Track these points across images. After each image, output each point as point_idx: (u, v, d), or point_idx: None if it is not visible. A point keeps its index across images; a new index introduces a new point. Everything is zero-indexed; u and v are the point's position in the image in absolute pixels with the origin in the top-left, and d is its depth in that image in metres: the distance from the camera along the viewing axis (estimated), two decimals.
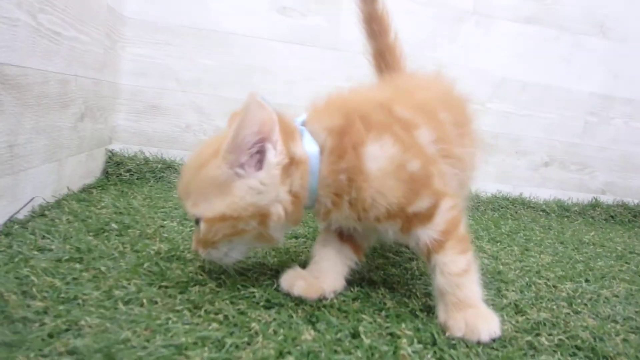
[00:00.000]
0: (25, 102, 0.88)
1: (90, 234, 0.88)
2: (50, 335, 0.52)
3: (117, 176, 1.42)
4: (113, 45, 1.40)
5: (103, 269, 0.72)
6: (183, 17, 1.53)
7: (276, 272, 0.77)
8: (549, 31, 1.79)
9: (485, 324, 0.65)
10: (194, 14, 1.54)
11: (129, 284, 0.68)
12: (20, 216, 0.90)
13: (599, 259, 1.20)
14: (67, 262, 0.73)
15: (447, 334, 0.65)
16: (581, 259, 1.18)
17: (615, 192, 1.95)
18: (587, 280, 1.00)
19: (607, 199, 1.93)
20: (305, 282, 0.72)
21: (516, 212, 1.73)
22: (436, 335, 0.64)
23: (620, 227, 1.77)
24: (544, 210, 1.79)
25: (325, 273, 0.74)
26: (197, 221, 0.68)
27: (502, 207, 1.74)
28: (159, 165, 1.49)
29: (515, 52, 1.78)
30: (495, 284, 0.89)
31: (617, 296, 0.92)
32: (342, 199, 0.67)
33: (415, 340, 0.62)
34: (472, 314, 0.65)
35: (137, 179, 1.44)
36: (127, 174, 1.44)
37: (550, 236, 1.42)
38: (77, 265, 0.72)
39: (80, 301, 0.61)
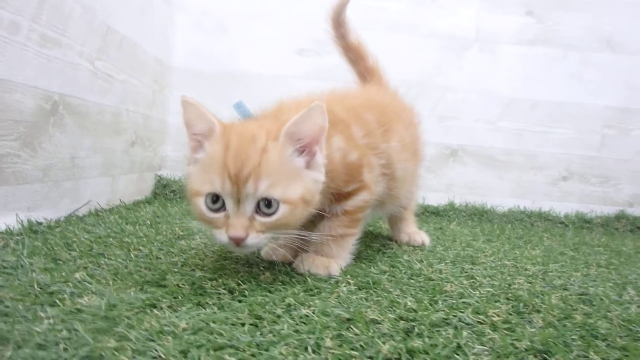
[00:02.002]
0: (84, 126, 1.17)
1: (129, 224, 1.13)
2: (77, 268, 0.74)
3: (163, 195, 1.70)
4: (161, 89, 1.71)
5: (128, 240, 0.95)
6: (219, 65, 1.83)
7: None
8: (555, 51, 1.88)
9: (323, 268, 0.81)
10: (227, 62, 1.84)
11: (144, 248, 0.90)
12: (80, 213, 1.17)
13: (593, 255, 1.22)
14: (104, 237, 0.97)
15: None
16: (572, 254, 1.22)
17: None
18: (562, 266, 1.04)
19: (635, 210, 1.91)
20: (280, 252, 0.88)
21: (532, 224, 1.78)
22: (371, 282, 0.79)
23: None
24: (562, 223, 1.82)
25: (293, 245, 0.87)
26: (268, 203, 0.69)
27: (517, 220, 1.80)
28: None
29: (522, 72, 1.89)
30: (461, 265, 0.97)
31: (586, 275, 0.97)
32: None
33: (353, 285, 0.77)
34: (322, 260, 0.83)
35: (179, 197, 1.71)
36: (171, 193, 1.71)
37: (556, 240, 1.46)
38: (111, 239, 0.96)
39: (105, 255, 0.84)
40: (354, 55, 1.18)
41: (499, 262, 1.03)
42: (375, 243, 1.16)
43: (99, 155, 1.26)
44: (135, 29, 1.43)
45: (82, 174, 1.18)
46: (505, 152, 1.91)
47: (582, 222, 1.83)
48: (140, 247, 0.90)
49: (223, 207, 0.69)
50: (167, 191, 1.72)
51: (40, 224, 1.00)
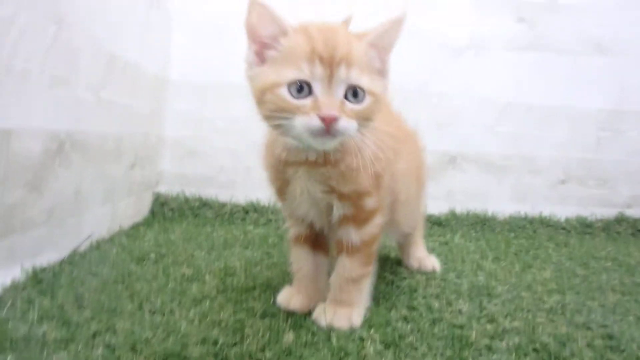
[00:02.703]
0: (88, 158, 1.13)
1: (133, 262, 1.09)
2: (94, 335, 0.71)
3: (162, 214, 1.66)
4: (159, 104, 1.66)
5: (138, 288, 0.91)
6: (217, 76, 1.76)
7: (275, 290, 0.92)
8: (547, 55, 1.88)
9: (345, 319, 0.79)
10: (226, 73, 1.77)
11: (156, 299, 0.87)
12: (81, 249, 1.13)
13: (603, 273, 1.23)
14: (112, 283, 0.93)
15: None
16: (583, 273, 1.22)
17: None
18: (577, 293, 1.04)
19: (635, 212, 1.92)
20: (298, 298, 0.86)
21: (534, 232, 1.78)
22: (397, 336, 0.77)
23: None
24: (564, 228, 1.82)
25: (312, 287, 0.87)
26: (355, 92, 0.70)
27: (519, 227, 1.79)
28: (197, 204, 1.72)
29: (516, 78, 1.88)
30: (478, 298, 0.97)
31: (603, 306, 0.96)
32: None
33: (379, 342, 0.76)
34: (342, 312, 0.81)
35: (178, 216, 1.67)
36: (170, 212, 1.67)
37: (562, 253, 1.46)
38: (119, 286, 0.92)
39: (118, 311, 0.80)
40: None
41: (515, 293, 1.02)
42: (386, 272, 1.15)
43: (101, 184, 1.21)
44: (136, 51, 1.38)
45: (85, 207, 1.14)
46: (503, 157, 1.91)
47: (584, 227, 1.83)
48: (152, 298, 0.87)
49: (309, 94, 0.68)
50: (165, 209, 1.67)
51: (44, 269, 0.96)
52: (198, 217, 1.68)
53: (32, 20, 0.87)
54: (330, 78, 0.68)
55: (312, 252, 0.89)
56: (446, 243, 1.52)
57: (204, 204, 1.73)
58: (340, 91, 0.69)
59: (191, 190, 1.79)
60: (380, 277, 1.09)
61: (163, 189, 1.76)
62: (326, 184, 0.78)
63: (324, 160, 0.76)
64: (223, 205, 1.75)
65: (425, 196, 1.20)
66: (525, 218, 1.85)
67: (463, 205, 1.90)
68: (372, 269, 0.86)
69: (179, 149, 1.79)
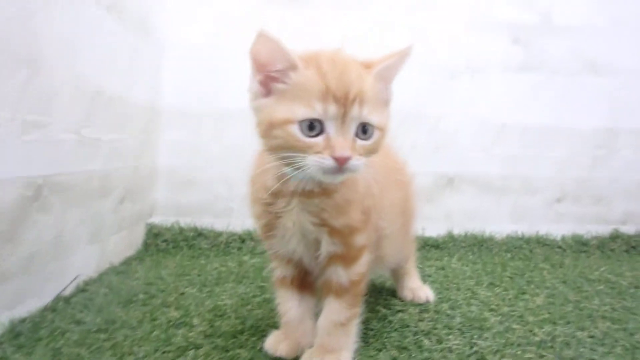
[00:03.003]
0: (70, 199, 1.11)
1: (120, 305, 1.07)
2: None
3: (155, 246, 1.64)
4: (149, 135, 1.64)
5: (121, 338, 0.89)
6: (210, 104, 1.76)
7: (264, 335, 0.91)
8: (542, 76, 1.89)
9: None
10: (218, 100, 1.77)
11: (139, 349, 0.84)
12: (67, 293, 1.11)
13: (595, 298, 1.23)
14: (94, 333, 0.91)
15: None
16: (575, 299, 1.21)
17: (637, 220, 1.95)
18: (568, 323, 1.04)
19: (629, 229, 1.93)
20: (285, 344, 0.84)
21: (530, 252, 1.77)
22: None
23: None
24: (560, 247, 1.81)
25: (299, 331, 0.85)
26: (365, 129, 0.71)
27: (515, 248, 1.78)
28: (192, 234, 1.70)
29: (511, 99, 1.89)
30: (469, 333, 0.96)
31: (592, 337, 0.96)
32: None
33: None
34: (330, 358, 0.79)
35: (172, 247, 1.65)
36: (164, 243, 1.65)
37: (557, 275, 1.45)
38: (102, 335, 0.90)
39: None
40: None
41: (507, 325, 1.01)
42: (380, 304, 1.13)
43: (86, 224, 1.20)
44: (123, 84, 1.37)
45: (68, 249, 1.12)
46: (501, 177, 1.91)
47: (580, 245, 1.83)
48: (135, 348, 0.85)
49: (320, 133, 0.68)
50: (159, 241, 1.65)
51: (24, 320, 0.94)
52: (193, 248, 1.66)
53: (1, 64, 0.86)
54: (343, 117, 0.68)
55: (299, 295, 0.87)
56: (442, 268, 1.50)
57: (199, 233, 1.71)
58: (353, 129, 0.69)
59: (187, 220, 1.77)
60: (373, 311, 1.08)
61: (157, 219, 1.75)
62: (319, 216, 0.77)
63: (320, 191, 0.76)
64: (219, 234, 1.73)
65: (413, 228, 1.18)
66: (522, 238, 1.85)
67: (461, 226, 1.89)
68: (360, 310, 0.84)
69: (173, 178, 1.78)
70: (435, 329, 0.98)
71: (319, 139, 0.67)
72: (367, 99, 0.69)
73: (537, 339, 0.94)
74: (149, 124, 1.62)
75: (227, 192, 1.80)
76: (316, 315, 0.85)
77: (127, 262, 1.45)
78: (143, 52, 1.53)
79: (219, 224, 1.77)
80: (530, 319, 1.05)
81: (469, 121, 1.88)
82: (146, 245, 1.65)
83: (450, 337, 0.94)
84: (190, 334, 0.93)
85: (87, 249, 1.22)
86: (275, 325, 0.92)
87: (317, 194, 0.76)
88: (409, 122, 1.86)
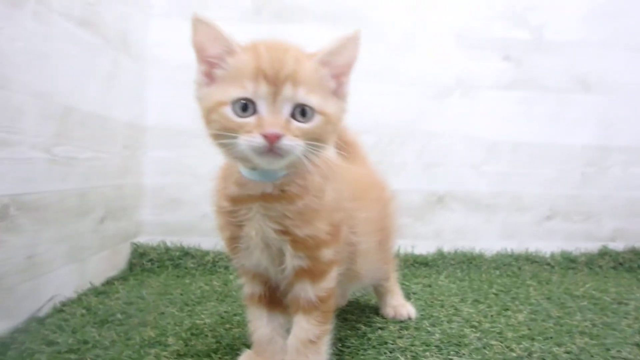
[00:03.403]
0: (43, 219, 1.09)
1: (95, 325, 1.05)
2: None
3: (140, 266, 1.62)
4: (134, 153, 1.64)
5: (91, 358, 0.87)
6: (193, 122, 1.75)
7: (238, 353, 0.89)
8: (533, 93, 1.90)
9: None
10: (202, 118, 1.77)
11: None
12: (42, 313, 1.09)
13: (577, 313, 1.22)
14: (65, 353, 0.90)
15: None
16: (557, 315, 1.20)
17: (627, 237, 1.94)
18: (546, 339, 1.03)
19: (617, 245, 1.92)
20: None
21: (519, 269, 1.75)
22: None
23: (627, 274, 1.75)
24: (548, 264, 1.80)
25: (269, 350, 0.84)
26: (303, 111, 0.68)
27: (504, 265, 1.77)
28: (178, 253, 1.68)
29: (502, 116, 1.89)
30: (447, 349, 0.95)
31: (569, 352, 0.95)
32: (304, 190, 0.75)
33: None
34: None
35: (157, 267, 1.63)
36: (149, 263, 1.63)
37: (542, 291, 1.44)
38: (72, 356, 0.88)
39: None
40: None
41: (485, 341, 1.00)
42: (360, 322, 1.12)
43: (63, 244, 1.18)
44: (100, 100, 1.37)
45: (43, 269, 1.10)
46: (491, 195, 1.91)
47: (568, 262, 1.83)
48: None
49: (254, 113, 0.67)
50: (144, 260, 1.63)
51: None
52: (179, 267, 1.65)
53: None
54: (275, 96, 0.67)
55: (268, 312, 0.85)
56: (429, 285, 1.49)
57: (186, 253, 1.70)
58: (286, 109, 0.68)
59: (172, 240, 1.76)
60: (353, 329, 1.07)
61: (143, 238, 1.73)
62: (281, 223, 0.75)
63: (281, 195, 0.74)
64: (205, 253, 1.71)
65: (393, 246, 1.17)
66: (512, 255, 1.84)
67: (451, 244, 1.88)
68: (330, 326, 0.82)
69: (159, 197, 1.77)
70: (413, 345, 0.97)
71: (251, 119, 0.67)
72: (302, 80, 0.67)
73: (514, 354, 0.93)
74: (133, 141, 1.62)
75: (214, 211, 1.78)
76: (288, 332, 0.83)
77: (110, 282, 1.44)
78: (124, 69, 1.53)
79: (206, 243, 1.76)
80: (510, 335, 1.04)
81: (459, 139, 1.88)
82: (131, 265, 1.63)
83: (427, 353, 0.93)
84: (163, 353, 0.91)
85: (65, 269, 1.20)
86: (250, 345, 0.89)
87: (277, 197, 0.74)
88: (399, 140, 1.86)
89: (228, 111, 0.67)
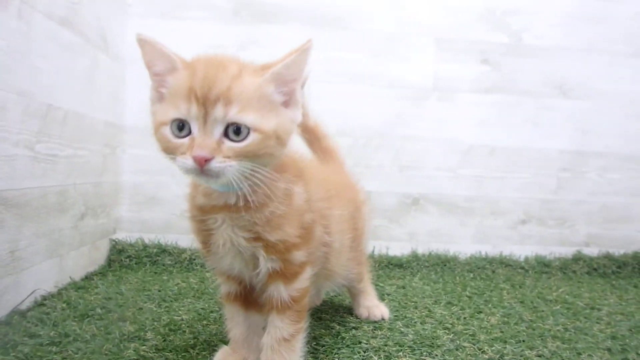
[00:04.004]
0: (25, 215, 1.11)
1: (76, 319, 1.07)
2: None
3: (119, 262, 1.64)
4: (113, 151, 1.66)
5: (72, 351, 0.89)
6: None
7: (215, 349, 0.92)
8: (511, 98, 1.94)
9: None
10: None
11: None
12: (23, 307, 1.11)
13: (550, 318, 1.25)
14: (47, 346, 0.91)
15: None
16: (530, 318, 1.23)
17: (601, 243, 1.99)
18: (518, 342, 1.05)
19: (592, 251, 1.97)
20: (232, 359, 0.86)
21: (493, 272, 1.79)
22: None
23: (601, 279, 1.79)
24: (522, 268, 1.84)
25: (245, 347, 0.87)
26: (237, 130, 0.67)
27: (478, 268, 1.81)
28: (155, 250, 1.70)
29: (479, 120, 1.93)
30: (419, 350, 0.98)
31: (540, 356, 0.98)
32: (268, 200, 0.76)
33: None
34: None
35: (135, 263, 1.64)
36: (127, 259, 1.65)
37: (515, 295, 1.47)
38: (54, 349, 0.90)
39: None
40: (311, 137, 1.15)
41: (458, 343, 1.03)
42: (334, 322, 1.15)
43: (43, 240, 1.20)
44: (81, 99, 1.38)
45: (24, 264, 1.12)
46: (466, 199, 1.94)
47: (542, 266, 1.87)
48: None
49: (189, 134, 0.68)
50: (122, 257, 1.65)
51: None
52: (156, 264, 1.67)
53: None
54: (206, 116, 0.66)
55: (244, 311, 0.88)
56: (403, 287, 1.52)
57: (163, 250, 1.72)
58: (217, 130, 0.67)
59: (150, 237, 1.77)
60: (327, 328, 1.10)
61: (122, 235, 1.75)
62: (251, 231, 0.76)
63: (246, 205, 0.74)
64: (182, 251, 1.73)
65: (366, 246, 1.20)
66: (486, 258, 1.87)
67: (426, 246, 1.92)
68: (304, 325, 0.85)
69: (137, 195, 1.79)
70: (387, 345, 0.99)
71: (185, 140, 0.67)
72: (235, 98, 0.66)
73: (485, 357, 0.96)
74: (112, 139, 1.64)
75: None
76: (263, 330, 0.86)
77: (89, 277, 1.45)
78: (103, 67, 1.54)
79: (183, 241, 1.78)
80: (482, 337, 1.07)
81: (436, 142, 1.91)
82: (110, 261, 1.64)
83: (400, 354, 0.95)
84: (142, 348, 0.93)
85: (45, 264, 1.22)
86: (227, 341, 0.92)
87: (245, 208, 0.74)
88: (375, 142, 1.89)
89: (167, 131, 0.68)
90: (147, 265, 1.65)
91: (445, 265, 1.81)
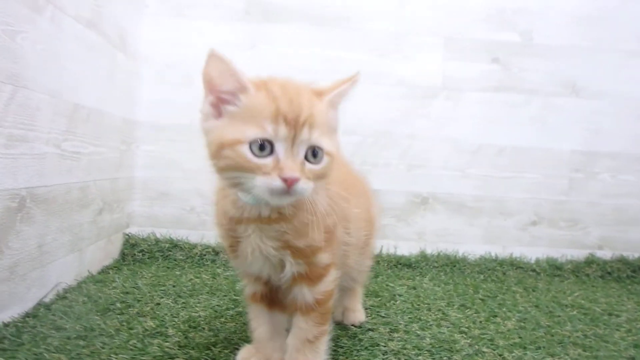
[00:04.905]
0: (51, 211, 1.14)
1: (98, 313, 1.10)
2: None
3: (132, 256, 1.66)
4: (128, 147, 1.68)
5: (99, 345, 0.92)
6: (186, 117, 1.78)
7: (236, 348, 0.94)
8: (519, 96, 1.92)
9: None
10: (195, 114, 1.81)
11: (117, 357, 0.88)
12: (47, 300, 1.14)
13: (568, 323, 1.23)
14: (74, 339, 0.94)
15: None
16: (547, 324, 1.22)
17: (614, 246, 1.97)
18: (538, 348, 1.05)
19: (605, 254, 1.94)
20: (256, 358, 0.87)
21: (503, 274, 1.78)
22: None
23: (615, 284, 1.76)
24: (534, 270, 1.82)
25: (269, 347, 0.88)
26: (315, 153, 0.71)
27: (489, 269, 1.80)
28: (167, 245, 1.73)
29: (488, 119, 1.92)
30: (439, 354, 0.98)
31: None
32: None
33: None
34: None
35: (148, 258, 1.67)
36: (140, 254, 1.68)
37: (529, 299, 1.46)
38: (81, 342, 0.93)
39: None
40: None
41: (477, 348, 1.03)
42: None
43: (66, 234, 1.23)
44: (102, 97, 1.41)
45: (49, 258, 1.15)
46: (475, 198, 1.93)
47: (554, 269, 1.84)
48: (112, 356, 0.88)
49: (270, 154, 0.69)
50: (135, 251, 1.68)
51: (8, 325, 0.96)
52: (168, 259, 1.69)
53: None
54: (293, 139, 0.68)
55: (269, 311, 0.89)
56: (414, 288, 1.52)
57: (175, 245, 1.74)
58: (302, 152, 0.70)
59: (162, 232, 1.80)
60: (343, 329, 1.11)
61: (134, 230, 1.77)
62: (280, 240, 0.78)
63: (278, 217, 0.77)
64: (193, 246, 1.76)
65: (374, 240, 1.17)
66: (496, 260, 1.86)
67: (434, 246, 1.91)
68: (328, 327, 0.86)
69: (149, 190, 1.82)
70: (405, 349, 1.00)
71: (268, 160, 0.68)
72: (317, 123, 0.70)
73: None
74: (127, 136, 1.66)
75: (201, 205, 1.84)
76: (287, 331, 0.87)
77: (105, 271, 1.48)
78: (121, 66, 1.57)
79: (194, 236, 1.80)
80: (501, 342, 1.06)
81: (444, 141, 1.91)
82: (123, 255, 1.67)
83: (420, 357, 0.96)
84: (166, 344, 0.95)
85: (67, 258, 1.25)
86: (247, 339, 0.94)
87: (275, 220, 0.77)
88: (383, 141, 1.89)
89: (245, 150, 0.68)
90: (160, 260, 1.67)
91: (454, 266, 1.81)
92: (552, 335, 1.14)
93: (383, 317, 1.22)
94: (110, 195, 1.52)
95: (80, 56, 1.26)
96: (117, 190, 1.59)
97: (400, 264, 1.80)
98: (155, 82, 1.80)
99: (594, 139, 1.95)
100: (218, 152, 0.71)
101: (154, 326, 1.05)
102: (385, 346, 1.02)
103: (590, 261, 1.89)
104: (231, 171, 0.70)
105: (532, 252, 1.93)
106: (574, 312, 1.35)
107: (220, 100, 0.73)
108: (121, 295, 1.25)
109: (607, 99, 1.94)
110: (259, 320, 0.89)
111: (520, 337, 1.11)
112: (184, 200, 1.83)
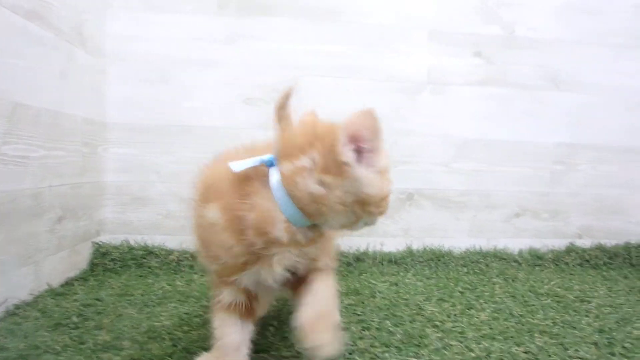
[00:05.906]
0: None
1: (49, 329, 1.02)
2: None
3: (102, 266, 1.58)
4: (94, 150, 1.60)
5: None
6: (161, 117, 1.72)
7: (194, 355, 0.88)
8: (505, 90, 1.91)
9: None
10: (170, 114, 1.74)
11: None
12: None
13: (540, 312, 1.23)
14: (14, 359, 0.87)
15: None
16: (520, 313, 1.21)
17: (593, 234, 1.98)
18: (506, 338, 1.03)
19: (584, 242, 1.95)
20: None
21: (487, 266, 1.76)
22: None
23: (593, 271, 1.77)
24: (516, 261, 1.81)
25: (233, 357, 0.82)
26: None
27: (472, 262, 1.78)
28: (141, 252, 1.65)
29: (473, 113, 1.89)
30: (406, 350, 0.95)
31: (527, 352, 0.96)
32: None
33: None
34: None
35: (120, 267, 1.59)
36: (111, 263, 1.59)
37: (507, 289, 1.44)
38: None
39: None
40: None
41: (446, 342, 1.00)
42: None
43: (15, 246, 1.14)
44: (55, 97, 1.32)
45: None
46: (461, 193, 1.91)
47: (535, 259, 1.84)
48: None
49: None
50: (106, 260, 1.59)
51: None
52: (142, 267, 1.61)
53: None
54: None
55: (240, 321, 0.84)
56: (396, 284, 1.49)
57: (149, 252, 1.66)
58: None
59: (136, 238, 1.72)
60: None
61: (105, 238, 1.69)
62: (307, 258, 0.80)
63: (313, 238, 0.78)
64: (170, 252, 1.68)
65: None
66: (480, 252, 1.84)
67: (420, 241, 1.89)
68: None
69: (122, 195, 1.73)
70: (373, 346, 0.96)
71: None
72: None
73: (473, 355, 0.93)
74: (93, 138, 1.58)
75: (179, 209, 1.76)
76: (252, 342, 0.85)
77: (69, 283, 1.40)
78: (80, 63, 1.48)
79: (171, 242, 1.73)
80: (471, 334, 1.05)
81: (430, 136, 1.88)
82: (92, 265, 1.59)
83: (387, 354, 0.92)
84: (116, 358, 0.88)
85: (19, 272, 1.16)
86: (207, 348, 0.88)
87: (311, 241, 0.78)
88: None
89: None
90: (133, 268, 1.59)
91: (439, 261, 1.78)
92: (523, 325, 1.13)
93: (358, 315, 1.18)
94: (72, 202, 1.43)
95: (21, 51, 1.16)
96: (81, 196, 1.50)
97: (385, 261, 1.76)
98: (126, 80, 1.71)
99: (575, 131, 1.95)
100: (380, 203, 0.76)
101: (108, 339, 0.98)
102: (353, 345, 0.97)
103: (570, 250, 1.90)
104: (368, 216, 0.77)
105: (515, 243, 1.93)
106: (548, 301, 1.34)
107: (359, 150, 0.72)
108: (80, 308, 1.17)
109: (589, 92, 1.95)
110: (230, 329, 0.84)
111: (491, 328, 1.09)
112: (160, 205, 1.75)
